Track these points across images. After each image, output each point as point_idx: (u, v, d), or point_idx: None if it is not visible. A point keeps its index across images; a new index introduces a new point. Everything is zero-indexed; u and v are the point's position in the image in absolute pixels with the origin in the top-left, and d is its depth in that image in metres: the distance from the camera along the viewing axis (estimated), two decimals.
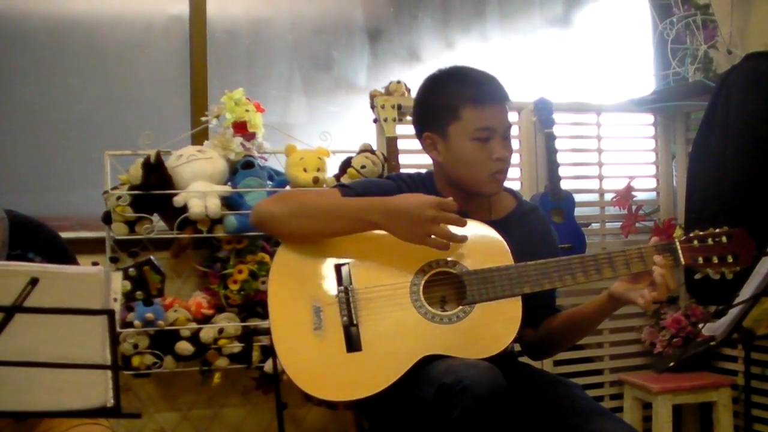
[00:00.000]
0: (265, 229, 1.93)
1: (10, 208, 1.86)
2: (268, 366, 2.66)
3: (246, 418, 2.93)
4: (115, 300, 1.60)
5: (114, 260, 1.73)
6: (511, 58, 3.57)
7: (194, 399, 2.87)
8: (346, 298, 1.78)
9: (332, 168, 2.87)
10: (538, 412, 1.79)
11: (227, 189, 2.69)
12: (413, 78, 3.05)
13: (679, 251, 1.77)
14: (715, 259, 1.77)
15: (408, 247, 1.78)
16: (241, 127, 2.75)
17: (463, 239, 1.77)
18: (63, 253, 1.90)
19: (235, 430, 2.92)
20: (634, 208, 3.28)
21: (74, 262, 1.90)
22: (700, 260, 1.78)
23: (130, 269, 1.69)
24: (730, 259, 1.77)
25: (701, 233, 1.79)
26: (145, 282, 1.69)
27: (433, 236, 1.73)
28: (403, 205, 1.75)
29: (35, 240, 1.87)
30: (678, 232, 1.82)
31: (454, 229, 1.76)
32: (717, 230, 1.79)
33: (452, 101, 1.87)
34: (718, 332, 2.29)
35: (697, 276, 1.82)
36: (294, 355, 1.74)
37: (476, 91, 1.87)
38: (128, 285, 1.69)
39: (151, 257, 1.71)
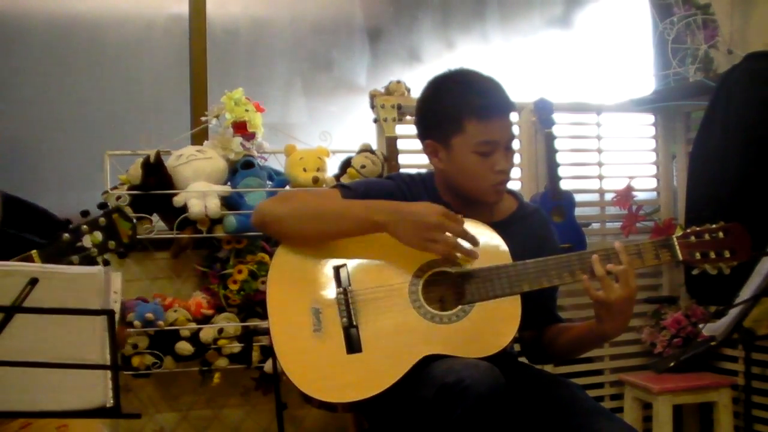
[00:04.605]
0: (267, 230, 1.92)
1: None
2: (268, 366, 2.66)
3: (246, 418, 2.93)
4: (115, 301, 1.58)
5: (85, 214, 1.67)
6: (512, 58, 3.57)
7: (194, 399, 2.87)
8: (345, 300, 1.78)
9: (332, 168, 2.87)
10: (538, 412, 1.79)
11: (227, 189, 2.69)
12: (413, 78, 3.06)
13: (677, 247, 1.77)
14: (712, 255, 1.77)
15: (406, 248, 1.77)
16: (240, 127, 2.75)
17: (470, 253, 1.75)
18: (55, 226, 1.79)
19: (235, 430, 2.92)
20: (634, 208, 3.28)
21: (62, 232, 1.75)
22: (697, 256, 1.78)
23: (100, 218, 1.65)
24: (726, 254, 1.77)
25: (698, 229, 1.79)
26: (116, 230, 1.65)
27: (434, 243, 1.72)
28: (408, 208, 1.75)
29: (30, 219, 1.86)
30: (678, 232, 1.81)
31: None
32: (713, 226, 1.79)
33: (456, 113, 1.83)
34: (719, 332, 2.29)
35: (695, 272, 1.82)
36: (294, 358, 1.74)
37: (481, 103, 1.82)
38: (99, 236, 1.63)
39: (119, 206, 1.66)
